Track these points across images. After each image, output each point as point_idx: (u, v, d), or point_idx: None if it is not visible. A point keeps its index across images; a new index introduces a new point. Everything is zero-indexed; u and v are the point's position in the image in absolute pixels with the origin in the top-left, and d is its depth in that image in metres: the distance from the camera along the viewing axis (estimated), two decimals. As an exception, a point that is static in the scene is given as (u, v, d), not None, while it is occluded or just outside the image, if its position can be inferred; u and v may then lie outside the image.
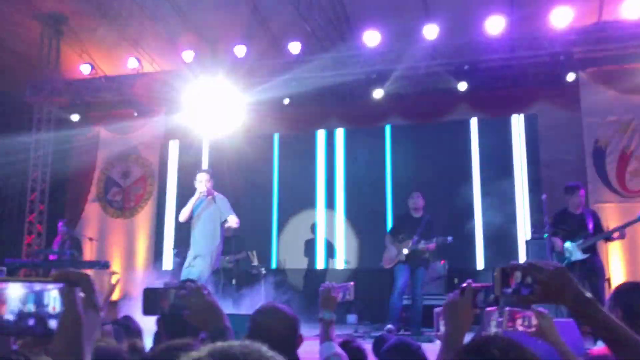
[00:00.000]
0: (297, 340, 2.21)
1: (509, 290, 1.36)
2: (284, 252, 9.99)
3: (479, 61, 8.95)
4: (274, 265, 9.96)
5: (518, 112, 9.52)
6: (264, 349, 0.90)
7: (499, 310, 2.32)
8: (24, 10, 9.88)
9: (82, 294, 0.98)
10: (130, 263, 10.61)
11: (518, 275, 1.35)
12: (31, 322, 0.90)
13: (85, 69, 10.37)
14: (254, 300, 8.12)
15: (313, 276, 9.62)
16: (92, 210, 11.12)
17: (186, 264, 6.31)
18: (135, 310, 3.20)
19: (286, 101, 9.81)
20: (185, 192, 10.65)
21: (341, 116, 10.42)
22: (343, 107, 10.41)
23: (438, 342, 5.53)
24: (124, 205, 11.03)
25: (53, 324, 0.91)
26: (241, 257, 8.80)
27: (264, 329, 2.17)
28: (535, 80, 9.32)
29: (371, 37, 8.97)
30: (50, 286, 0.91)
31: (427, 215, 7.16)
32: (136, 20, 9.73)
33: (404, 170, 9.72)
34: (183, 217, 6.39)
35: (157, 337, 2.78)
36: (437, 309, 2.25)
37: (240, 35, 9.54)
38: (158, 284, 9.01)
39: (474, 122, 9.70)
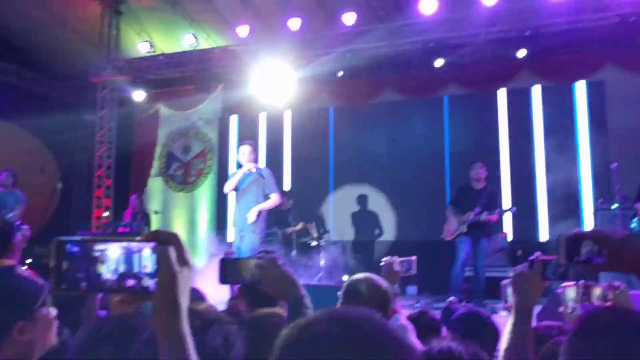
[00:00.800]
0: (389, 312, 2.23)
1: (580, 258, 1.33)
2: (342, 224, 10.05)
3: (541, 26, 8.59)
4: (331, 237, 10.05)
5: (584, 78, 9.13)
6: (378, 316, 0.92)
7: (575, 285, 2.28)
8: (85, -9, 10.16)
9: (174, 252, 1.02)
10: (193, 236, 10.95)
11: (587, 243, 1.32)
12: (131, 281, 0.95)
13: (144, 47, 10.60)
14: (312, 272, 8.28)
15: (371, 248, 9.67)
16: (155, 185, 11.50)
17: (236, 240, 6.25)
18: (199, 281, 3.31)
19: (340, 73, 9.72)
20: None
21: (398, 87, 10.27)
22: (400, 78, 10.27)
23: (502, 313, 5.50)
24: (185, 179, 11.35)
25: (147, 282, 0.95)
26: (300, 228, 8.93)
27: (358, 297, 2.20)
28: (602, 45, 8.90)
29: (427, 5, 8.74)
30: (143, 245, 0.95)
31: (489, 186, 7.04)
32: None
33: (463, 141, 9.54)
34: (228, 188, 6.32)
35: (233, 306, 2.88)
36: (504, 282, 2.24)
37: (294, 8, 9.50)
38: (219, 254, 9.30)
39: (536, 90, 9.37)
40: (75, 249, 0.93)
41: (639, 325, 1.05)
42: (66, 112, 12.42)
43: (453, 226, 7.00)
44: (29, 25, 11.05)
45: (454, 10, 8.83)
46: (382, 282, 2.27)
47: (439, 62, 9.12)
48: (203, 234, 10.94)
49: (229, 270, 1.77)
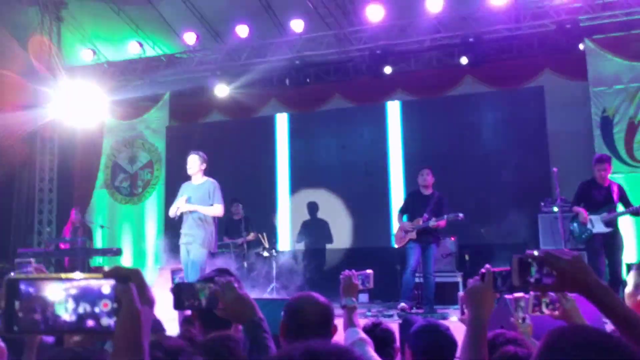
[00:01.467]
0: (332, 329, 2.23)
1: (532, 279, 1.39)
2: (294, 233, 10.01)
3: (483, 33, 8.83)
4: (283, 247, 10.00)
5: (524, 83, 9.43)
6: (356, 351, 0.91)
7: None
8: (22, -4, 9.78)
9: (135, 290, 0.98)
10: (140, 248, 10.68)
11: (537, 264, 1.39)
12: (90, 321, 0.91)
13: (87, 55, 10.29)
14: (265, 282, 8.21)
15: (324, 256, 9.67)
16: (101, 197, 11.16)
17: (183, 252, 5.99)
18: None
19: (287, 81, 9.71)
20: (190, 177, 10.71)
21: (346, 94, 10.34)
22: (348, 85, 10.36)
23: (452, 319, 5.62)
24: (132, 191, 11.07)
25: (107, 321, 0.91)
26: (251, 238, 8.85)
27: (299, 318, 2.18)
28: (541, 51, 9.24)
29: (374, 12, 8.84)
30: (102, 283, 0.91)
31: (437, 192, 7.16)
32: (135, 3, 9.63)
33: (412, 147, 9.68)
34: (172, 213, 6.05)
35: (185, 329, 2.81)
36: (460, 293, 2.28)
37: (242, 15, 9.43)
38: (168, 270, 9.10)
39: (480, 95, 9.61)
40: (31, 288, 0.88)
41: (609, 344, 1.10)
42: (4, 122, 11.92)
43: (402, 233, 7.07)
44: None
45: (400, 17, 8.97)
46: (322, 299, 2.27)
47: (386, 69, 9.22)
48: (151, 246, 10.68)
49: (184, 295, 1.72)
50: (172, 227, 10.54)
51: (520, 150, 8.97)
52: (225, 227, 9.12)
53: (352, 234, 9.68)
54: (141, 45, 9.99)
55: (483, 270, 1.73)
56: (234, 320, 1.89)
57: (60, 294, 0.89)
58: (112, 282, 0.92)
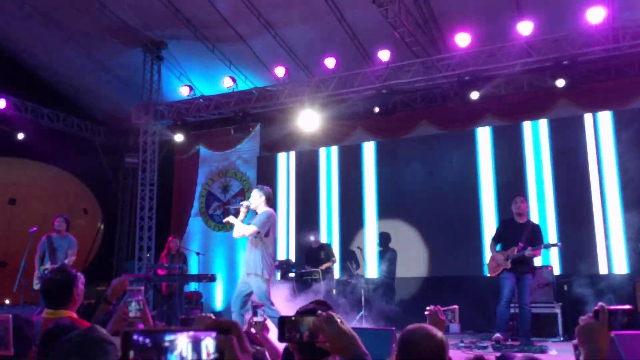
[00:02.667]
0: None
1: None
2: (380, 260, 9.95)
3: (578, 55, 8.50)
4: (371, 274, 9.96)
5: (625, 105, 8.95)
6: None
7: None
8: (127, 39, 10.58)
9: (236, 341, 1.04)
10: (233, 275, 11.01)
11: None
12: None
13: (184, 91, 10.92)
14: (354, 310, 8.19)
15: (411, 284, 9.53)
16: (196, 225, 11.67)
17: (241, 283, 6.11)
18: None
19: (376, 109, 9.78)
20: (280, 205, 10.98)
21: (433, 120, 10.27)
22: (435, 111, 10.29)
23: (551, 352, 5.33)
24: (225, 218, 11.46)
25: None
26: (330, 265, 8.83)
27: (415, 351, 2.16)
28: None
29: (462, 39, 8.78)
30: (206, 334, 0.99)
31: (532, 220, 6.89)
32: (230, 41, 10.15)
33: (504, 174, 9.40)
34: (235, 233, 6.24)
35: (287, 356, 2.87)
36: (574, 342, 2.19)
37: (329, 47, 9.67)
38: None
39: (588, 118, 9.18)
40: (143, 339, 0.96)
41: None
42: (109, 156, 12.84)
43: (496, 262, 6.85)
44: (75, 72, 11.56)
45: (488, 43, 8.84)
46: (438, 332, 2.22)
47: (475, 95, 9.07)
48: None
49: (287, 328, 1.77)
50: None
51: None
52: (305, 255, 9.25)
53: (441, 263, 9.50)
54: (234, 80, 10.46)
55: (597, 307, 1.67)
56: (337, 354, 1.89)
57: (173, 345, 0.97)
58: (213, 333, 0.99)
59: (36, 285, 7.86)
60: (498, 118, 9.81)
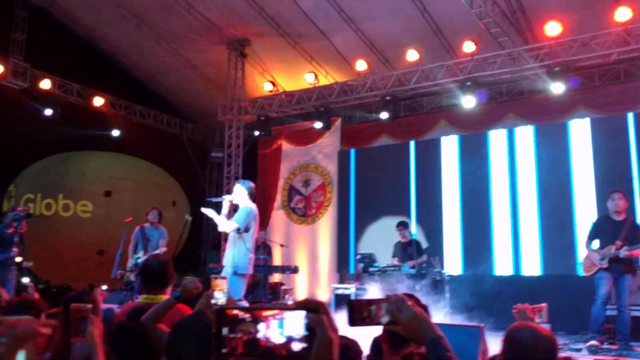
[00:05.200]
0: None
1: None
2: (470, 257, 9.75)
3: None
4: (454, 271, 9.78)
5: None
6: None
7: None
8: (213, 37, 10.94)
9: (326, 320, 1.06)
10: (314, 267, 11.17)
11: None
12: (291, 346, 1.01)
13: (267, 87, 11.16)
14: (438, 307, 8.07)
15: (496, 282, 9.26)
16: (278, 218, 11.92)
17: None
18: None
19: (470, 103, 9.41)
20: (362, 198, 11.00)
21: (519, 113, 9.91)
22: (521, 104, 9.94)
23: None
24: (306, 212, 11.66)
25: (298, 346, 1.02)
26: (422, 261, 8.78)
27: (522, 351, 2.11)
28: None
29: (552, 28, 8.40)
30: (295, 313, 1.03)
31: (631, 217, 6.51)
32: (311, 37, 10.25)
33: (601, 168, 8.91)
34: (220, 227, 6.08)
35: (376, 348, 2.89)
36: None
37: (411, 40, 9.56)
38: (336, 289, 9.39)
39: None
40: (245, 315, 1.01)
41: None
42: (196, 150, 13.36)
43: (592, 261, 6.53)
44: (165, 71, 12.10)
45: (580, 31, 8.41)
46: (546, 332, 2.15)
47: (565, 86, 8.65)
48: (324, 266, 11.12)
49: (356, 313, 1.77)
50: (344, 247, 10.93)
51: None
52: (394, 249, 9.19)
53: (530, 260, 9.18)
54: (315, 75, 10.56)
55: None
56: (412, 339, 1.84)
57: (265, 320, 1.01)
58: (303, 312, 1.02)
59: (128, 273, 8.30)
60: (591, 110, 9.32)
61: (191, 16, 10.30)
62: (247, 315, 1.03)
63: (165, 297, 3.46)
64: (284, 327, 1.03)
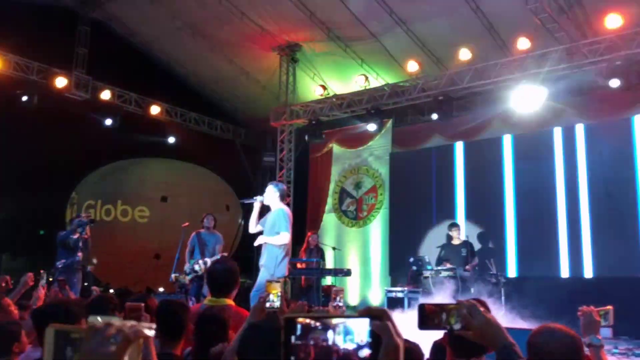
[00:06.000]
0: None
1: None
2: (524, 259, 9.50)
3: None
4: (511, 273, 9.54)
5: None
6: None
7: None
8: (265, 44, 11.11)
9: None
10: (367, 270, 11.13)
11: None
12: (365, 351, 1.03)
13: (318, 91, 11.24)
14: (494, 310, 7.89)
15: (555, 284, 8.99)
16: (330, 221, 11.95)
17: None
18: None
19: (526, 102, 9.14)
20: (415, 201, 10.89)
21: (579, 110, 9.58)
22: (580, 101, 9.61)
23: None
24: (358, 215, 11.65)
25: (364, 352, 1.04)
26: (475, 264, 8.60)
27: (546, 352, 2.07)
28: None
29: (612, 21, 8.11)
30: (360, 320, 1.06)
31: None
32: (362, 39, 10.26)
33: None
34: (250, 228, 6.15)
35: (436, 352, 2.85)
36: None
37: (463, 39, 9.42)
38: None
39: None
40: (317, 323, 1.03)
41: None
42: (249, 155, 13.58)
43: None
44: (219, 78, 12.37)
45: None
46: (571, 332, 2.11)
47: (629, 81, 8.32)
48: (376, 269, 11.07)
49: (428, 315, 1.76)
50: (397, 250, 10.84)
51: None
52: (445, 252, 9.05)
53: (592, 262, 8.86)
54: (366, 77, 10.55)
55: None
56: (484, 344, 1.83)
57: (329, 330, 1.03)
58: (367, 320, 1.04)
59: (187, 276, 8.48)
60: (655, 105, 8.92)
61: (244, 24, 10.50)
62: (317, 324, 1.04)
63: (229, 301, 3.55)
64: (352, 334, 1.05)
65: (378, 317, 1.08)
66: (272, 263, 5.81)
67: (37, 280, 4.59)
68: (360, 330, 1.05)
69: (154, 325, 0.99)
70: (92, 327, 0.97)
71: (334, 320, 1.04)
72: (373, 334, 1.05)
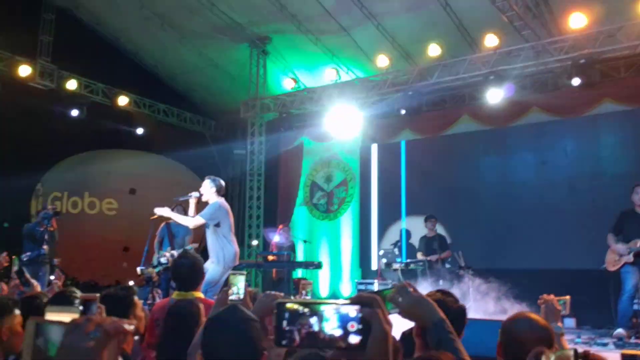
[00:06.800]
0: (461, 332, 2.15)
1: None
2: (490, 251, 9.69)
3: None
4: (479, 265, 9.72)
5: None
6: None
7: None
8: (235, 35, 11.03)
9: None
10: (337, 263, 11.21)
11: None
12: (349, 339, 1.05)
13: (288, 84, 11.21)
14: (461, 301, 8.05)
15: (521, 277, 9.20)
16: (301, 214, 11.98)
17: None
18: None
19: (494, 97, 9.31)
20: (384, 194, 11.00)
21: (545, 107, 9.80)
22: (547, 98, 9.82)
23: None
24: (328, 208, 11.70)
25: (353, 339, 1.06)
26: (445, 256, 8.78)
27: (518, 339, 2.14)
28: None
29: (577, 20, 8.30)
30: (350, 307, 1.07)
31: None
32: (333, 33, 10.28)
33: (622, 162, 8.82)
34: (187, 221, 6.28)
35: (405, 343, 2.91)
36: None
37: (433, 35, 9.53)
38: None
39: None
40: (305, 309, 1.06)
41: None
42: (219, 147, 13.48)
43: (616, 255, 6.46)
44: (188, 69, 12.23)
45: (606, 23, 8.30)
46: (543, 321, 2.18)
47: (591, 79, 8.55)
48: (347, 261, 11.15)
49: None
50: (365, 243, 10.95)
51: None
52: (419, 244, 9.19)
53: (554, 255, 9.09)
54: (337, 71, 10.58)
55: None
56: (415, 322, 1.87)
57: (318, 316, 1.05)
58: (357, 307, 1.06)
59: (155, 268, 8.40)
60: (618, 102, 9.19)
61: (214, 15, 10.39)
62: (305, 309, 1.06)
63: (197, 294, 3.55)
64: (340, 321, 1.07)
65: (368, 305, 1.09)
66: (222, 258, 5.82)
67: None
68: (350, 316, 1.07)
69: (134, 322, 0.99)
70: (72, 322, 0.97)
71: (322, 307, 1.06)
72: (363, 320, 1.07)
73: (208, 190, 6.04)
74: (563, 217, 9.12)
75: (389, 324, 1.13)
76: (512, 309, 7.15)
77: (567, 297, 2.92)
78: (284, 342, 1.06)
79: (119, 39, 11.84)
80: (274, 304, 1.08)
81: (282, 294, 2.55)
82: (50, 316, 1.20)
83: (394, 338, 2.58)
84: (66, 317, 1.01)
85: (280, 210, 12.10)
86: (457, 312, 2.31)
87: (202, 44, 11.42)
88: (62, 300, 2.62)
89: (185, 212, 8.57)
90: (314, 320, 1.06)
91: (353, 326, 1.06)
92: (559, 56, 8.68)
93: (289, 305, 1.07)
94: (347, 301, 1.09)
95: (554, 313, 2.71)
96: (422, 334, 2.46)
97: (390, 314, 1.74)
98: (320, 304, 1.07)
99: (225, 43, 11.31)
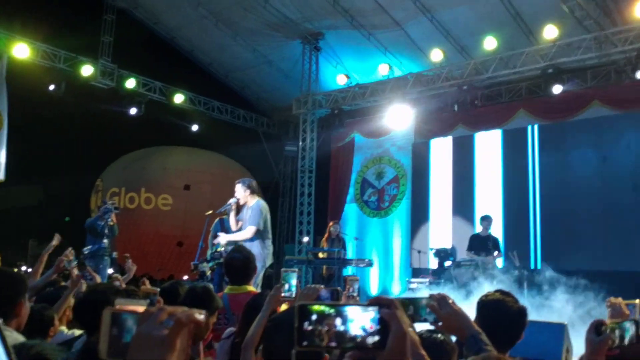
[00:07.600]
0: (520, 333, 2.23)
1: None
2: (548, 251, 9.39)
3: None
4: (533, 265, 9.45)
5: None
6: None
7: None
8: (288, 32, 11.09)
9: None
10: (387, 260, 11.12)
11: None
12: (372, 338, 1.08)
13: (341, 80, 11.19)
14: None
15: (576, 277, 8.85)
16: (351, 211, 11.95)
17: None
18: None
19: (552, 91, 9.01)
20: (437, 190, 10.82)
21: (606, 100, 9.39)
22: (608, 91, 9.41)
23: None
24: (379, 205, 11.62)
25: (371, 340, 1.08)
26: (496, 256, 8.54)
27: (493, 317, 2.19)
28: None
29: (643, 9, 7.91)
30: (369, 308, 1.10)
31: None
32: (386, 28, 10.18)
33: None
34: (232, 229, 6.32)
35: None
36: None
37: (488, 27, 9.29)
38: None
39: None
40: (330, 310, 1.08)
41: None
42: (271, 144, 13.63)
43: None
44: (242, 67, 12.41)
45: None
46: (521, 305, 2.28)
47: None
48: (397, 257, 11.05)
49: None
50: (418, 240, 10.80)
51: None
52: (470, 242, 8.99)
53: (616, 256, 8.72)
54: (389, 66, 10.47)
55: None
56: (451, 333, 1.91)
57: (342, 317, 1.07)
58: (376, 308, 1.08)
59: (209, 263, 8.56)
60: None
61: (267, 12, 10.49)
62: (331, 310, 1.09)
63: (250, 287, 3.60)
64: (361, 322, 1.09)
65: (387, 306, 1.12)
66: (260, 257, 5.85)
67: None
68: (369, 318, 1.09)
69: (204, 311, 1.03)
70: (146, 311, 1.01)
71: (345, 308, 1.09)
72: (382, 321, 1.09)
73: (242, 193, 6.20)
74: (626, 216, 8.72)
75: (408, 324, 1.15)
76: (575, 312, 6.91)
77: (637, 300, 2.80)
78: (304, 343, 1.07)
79: (175, 38, 12.12)
80: (296, 307, 1.10)
81: (322, 286, 2.59)
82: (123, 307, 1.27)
83: (449, 339, 2.55)
84: (138, 308, 1.06)
85: (330, 207, 12.10)
86: (517, 313, 2.29)
87: (256, 41, 11.55)
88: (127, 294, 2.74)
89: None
90: (339, 321, 1.08)
91: (372, 327, 1.09)
92: (623, 47, 8.29)
93: (315, 307, 1.09)
94: (366, 303, 1.12)
95: (621, 316, 2.60)
96: (459, 345, 2.43)
97: (419, 321, 1.76)
98: (342, 305, 1.10)
99: (278, 40, 11.40)
